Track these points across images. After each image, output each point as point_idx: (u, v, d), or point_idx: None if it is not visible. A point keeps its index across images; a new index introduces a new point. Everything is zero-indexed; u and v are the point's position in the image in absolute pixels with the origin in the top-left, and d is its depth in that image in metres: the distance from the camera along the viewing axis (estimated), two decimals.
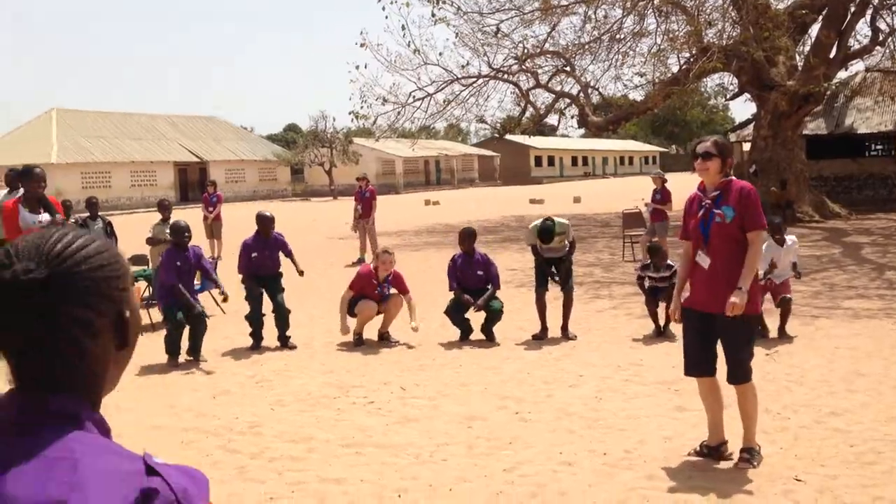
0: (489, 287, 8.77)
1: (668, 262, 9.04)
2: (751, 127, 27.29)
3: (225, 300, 8.58)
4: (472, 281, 8.80)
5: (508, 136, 42.13)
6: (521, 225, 23.71)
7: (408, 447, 5.44)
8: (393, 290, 8.89)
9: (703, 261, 4.93)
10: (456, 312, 8.76)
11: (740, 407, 4.94)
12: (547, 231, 8.58)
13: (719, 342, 4.95)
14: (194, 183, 54.02)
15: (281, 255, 9.17)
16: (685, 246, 5.18)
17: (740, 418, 4.94)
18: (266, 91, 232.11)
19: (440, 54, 48.57)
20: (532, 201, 38.11)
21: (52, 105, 62.22)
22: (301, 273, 9.45)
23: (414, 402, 6.56)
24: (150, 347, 8.30)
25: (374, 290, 8.76)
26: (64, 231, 1.22)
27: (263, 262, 8.89)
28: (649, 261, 9.25)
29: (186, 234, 8.41)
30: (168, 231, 9.16)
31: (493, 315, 8.69)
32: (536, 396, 6.58)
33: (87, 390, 1.20)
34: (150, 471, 1.11)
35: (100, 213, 11.28)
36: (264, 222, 8.93)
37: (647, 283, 9.00)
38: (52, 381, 1.17)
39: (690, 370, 5.10)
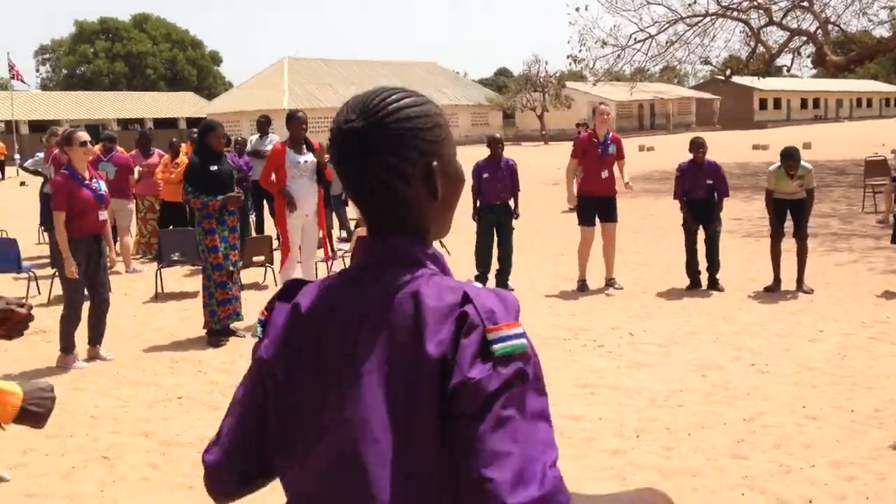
0: (715, 198, 8.53)
1: None
2: None
3: None
4: (699, 190, 8.57)
5: (733, 78, 39.99)
6: (743, 172, 22.64)
7: (642, 391, 5.52)
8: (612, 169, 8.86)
9: None
10: (691, 250, 8.61)
11: None
12: (791, 155, 8.11)
13: None
14: None
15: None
16: None
17: None
18: (479, 35, 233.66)
19: None
20: (755, 147, 36.10)
21: (285, 54, 66.28)
22: (517, 216, 9.35)
23: (644, 347, 6.60)
24: None
25: (596, 149, 8.77)
26: (392, 89, 1.34)
27: (493, 184, 8.74)
28: None
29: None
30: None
31: (713, 238, 8.51)
32: (773, 349, 6.41)
33: (417, 233, 1.32)
34: (467, 298, 1.22)
35: None
36: (495, 142, 8.83)
37: None
38: (386, 225, 1.32)
39: None
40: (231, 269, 7.18)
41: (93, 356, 6.78)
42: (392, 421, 1.21)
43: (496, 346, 1.17)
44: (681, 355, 6.34)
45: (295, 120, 7.63)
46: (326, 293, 1.34)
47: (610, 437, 4.74)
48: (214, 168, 7.11)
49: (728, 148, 36.31)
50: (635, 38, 24.82)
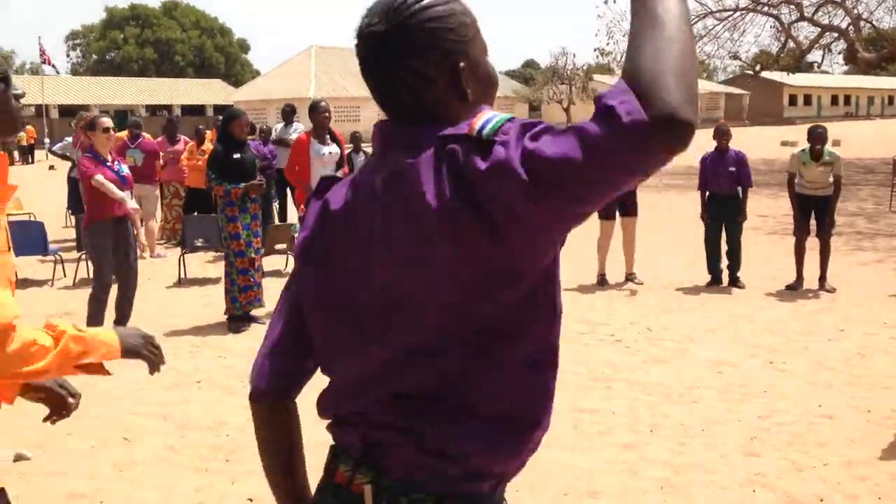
0: (739, 189, 8.44)
1: None
2: None
3: None
4: (722, 179, 8.48)
5: (763, 73, 39.54)
6: (770, 169, 22.42)
7: (657, 386, 5.52)
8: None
9: None
10: (712, 246, 8.55)
11: None
12: (818, 133, 8.01)
13: None
14: None
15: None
16: None
17: None
18: (505, 25, 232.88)
19: None
20: (784, 143, 35.70)
21: (312, 42, 66.41)
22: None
23: (662, 343, 6.59)
24: None
25: None
26: None
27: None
28: None
29: None
30: None
31: (735, 235, 8.43)
32: (791, 347, 6.38)
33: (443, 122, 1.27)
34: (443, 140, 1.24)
35: (362, 147, 12.09)
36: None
37: None
38: (410, 116, 1.30)
39: None
40: (252, 256, 7.26)
41: None
42: (431, 274, 1.22)
43: (484, 132, 1.18)
44: (698, 352, 6.33)
45: (318, 110, 7.69)
46: (353, 184, 1.37)
47: (623, 431, 4.76)
48: (237, 156, 7.18)
49: (756, 144, 35.95)
50: None
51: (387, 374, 1.29)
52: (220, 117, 8.72)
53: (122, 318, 6.88)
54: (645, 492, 3.99)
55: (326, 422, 1.44)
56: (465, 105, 1.28)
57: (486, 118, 1.20)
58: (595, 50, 25.66)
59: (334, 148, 7.71)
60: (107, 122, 6.69)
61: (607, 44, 25.16)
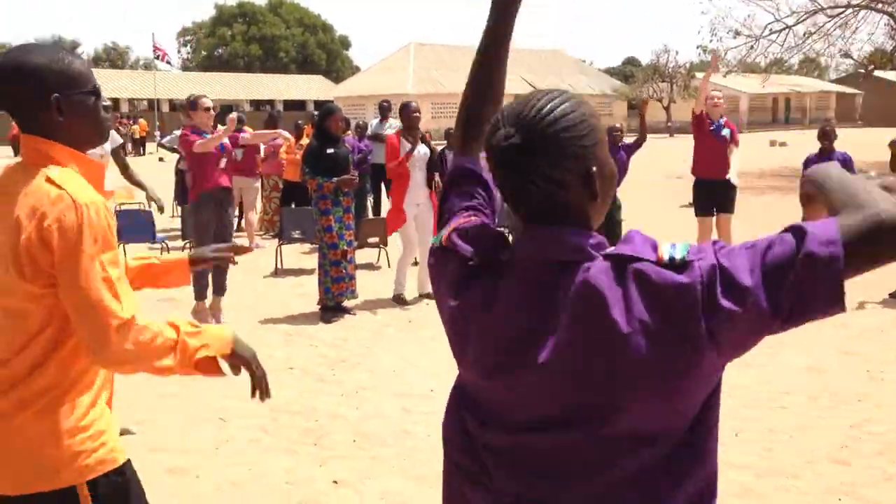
0: None
1: None
2: None
3: None
4: None
5: (877, 73, 37.89)
6: (881, 172, 21.47)
7: (744, 390, 5.43)
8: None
9: None
10: None
11: None
12: None
13: None
14: None
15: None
16: None
17: None
18: (607, 22, 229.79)
19: None
20: (892, 144, 34.02)
21: (411, 39, 67.08)
22: None
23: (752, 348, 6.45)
24: None
25: (710, 128, 8.77)
26: (546, 93, 1.38)
27: None
28: None
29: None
30: None
31: None
32: (891, 356, 6.16)
33: (580, 226, 1.37)
34: (621, 260, 1.31)
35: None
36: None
37: None
38: (544, 217, 1.37)
39: None
40: (344, 248, 7.46)
41: (215, 308, 7.22)
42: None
43: (677, 258, 1.27)
44: (790, 357, 6.19)
45: (408, 110, 7.84)
46: (514, 285, 1.38)
47: None
48: (331, 150, 7.39)
49: (869, 146, 34.32)
50: (771, 29, 23.93)
51: None
52: (317, 113, 8.99)
53: (217, 288, 7.20)
54: (726, 495, 3.95)
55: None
56: (594, 204, 1.38)
57: (670, 246, 1.29)
58: (698, 47, 25.11)
59: (424, 149, 7.86)
60: (207, 101, 7.05)
61: (710, 41, 24.55)
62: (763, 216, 13.84)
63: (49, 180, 1.88)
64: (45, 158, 1.95)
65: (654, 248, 1.30)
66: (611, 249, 1.33)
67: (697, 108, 9.04)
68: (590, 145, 1.35)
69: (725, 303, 1.22)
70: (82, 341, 1.90)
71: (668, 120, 54.48)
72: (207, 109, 6.97)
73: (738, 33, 24.04)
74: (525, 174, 1.33)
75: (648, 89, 56.83)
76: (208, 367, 2.01)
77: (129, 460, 2.08)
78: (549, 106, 1.34)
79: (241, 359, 2.07)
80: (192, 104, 7.11)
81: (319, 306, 7.59)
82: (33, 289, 1.87)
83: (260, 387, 2.11)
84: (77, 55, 2.03)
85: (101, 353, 1.87)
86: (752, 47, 24.39)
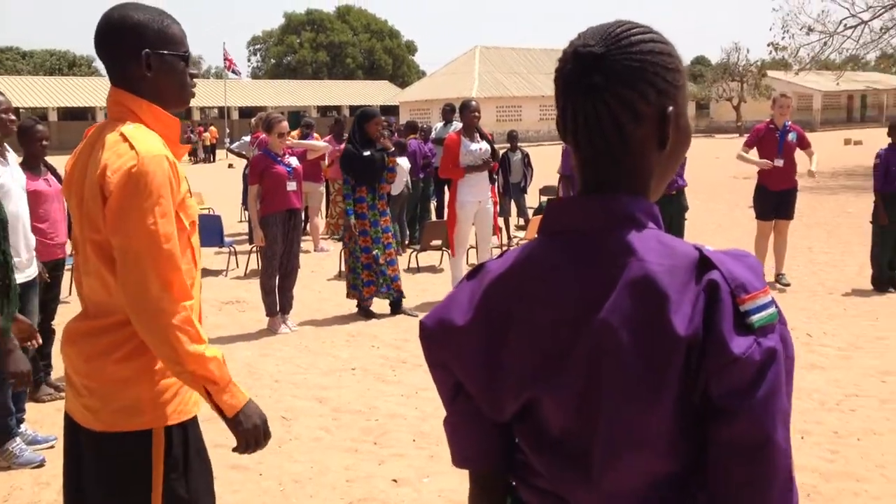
0: None
1: None
2: None
3: None
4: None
5: None
6: None
7: (812, 392, 5.30)
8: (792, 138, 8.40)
9: None
10: (882, 249, 8.05)
11: None
12: None
13: None
14: None
15: None
16: None
17: None
18: (676, 20, 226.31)
19: None
20: None
21: (477, 43, 67.24)
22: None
23: (821, 349, 6.30)
24: None
25: (774, 135, 8.44)
26: (635, 22, 1.24)
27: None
28: None
29: None
30: None
31: None
32: None
33: (636, 190, 1.23)
34: (705, 262, 1.14)
35: (518, 146, 12.22)
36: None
37: None
38: (603, 177, 1.23)
39: None
40: (376, 252, 7.46)
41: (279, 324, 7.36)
42: (628, 387, 1.15)
43: (754, 318, 1.11)
44: (862, 360, 6.01)
45: (468, 109, 7.89)
46: (535, 258, 1.27)
47: None
48: (367, 153, 7.46)
49: None
50: (845, 24, 23.26)
51: None
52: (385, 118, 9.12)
53: (283, 306, 7.32)
54: None
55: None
56: (661, 154, 1.23)
57: (761, 303, 1.13)
58: (769, 45, 24.51)
59: (484, 144, 7.88)
60: (284, 126, 7.17)
61: (782, 38, 23.99)
62: (836, 216, 13.46)
63: (121, 135, 1.99)
64: (126, 112, 2.06)
65: (759, 279, 1.16)
66: (712, 256, 1.16)
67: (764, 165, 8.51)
68: (673, 82, 1.21)
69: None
70: (123, 291, 1.95)
71: (737, 119, 53.33)
72: (282, 134, 7.14)
73: (811, 30, 23.42)
74: (598, 90, 1.18)
75: (717, 89, 55.74)
76: (219, 405, 2.02)
77: (194, 417, 2.16)
78: (638, 28, 1.22)
79: (238, 427, 2.06)
80: (268, 125, 7.26)
81: (357, 306, 7.73)
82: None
83: (243, 446, 2.10)
84: (177, 21, 2.12)
85: (137, 303, 1.93)
86: (825, 44, 23.76)
